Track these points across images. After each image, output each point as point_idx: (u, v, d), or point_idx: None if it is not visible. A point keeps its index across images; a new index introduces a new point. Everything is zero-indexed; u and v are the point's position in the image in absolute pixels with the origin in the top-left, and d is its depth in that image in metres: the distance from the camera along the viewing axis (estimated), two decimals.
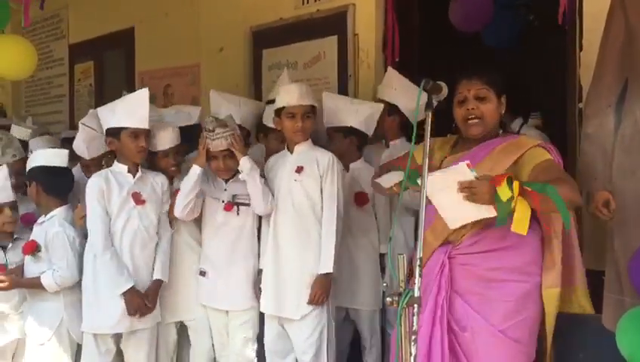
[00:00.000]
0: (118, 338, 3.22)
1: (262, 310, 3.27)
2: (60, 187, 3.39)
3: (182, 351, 3.52)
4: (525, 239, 2.44)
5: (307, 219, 3.17)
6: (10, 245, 3.44)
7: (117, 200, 3.18)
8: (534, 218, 2.48)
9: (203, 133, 3.22)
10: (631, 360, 2.34)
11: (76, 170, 3.65)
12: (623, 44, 2.65)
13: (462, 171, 2.32)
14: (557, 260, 2.54)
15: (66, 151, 3.47)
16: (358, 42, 4.17)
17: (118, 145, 3.21)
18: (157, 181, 3.29)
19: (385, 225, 3.47)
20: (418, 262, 2.06)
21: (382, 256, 3.49)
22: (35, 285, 3.22)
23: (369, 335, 3.48)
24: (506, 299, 2.49)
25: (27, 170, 3.46)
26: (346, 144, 3.46)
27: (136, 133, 3.17)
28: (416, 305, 2.00)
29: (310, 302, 3.12)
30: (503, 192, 2.27)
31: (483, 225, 2.50)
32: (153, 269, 3.23)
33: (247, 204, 3.25)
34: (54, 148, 3.87)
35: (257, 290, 3.27)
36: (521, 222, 2.29)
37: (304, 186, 3.17)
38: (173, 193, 3.31)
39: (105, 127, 3.28)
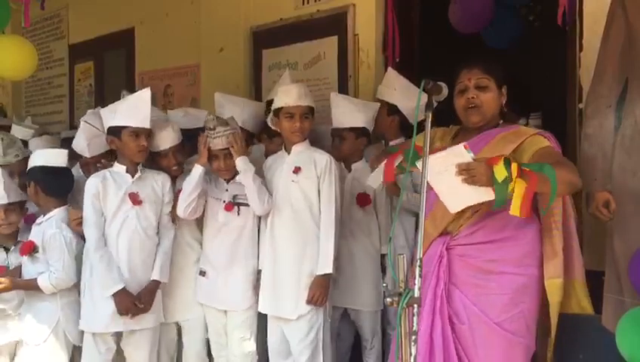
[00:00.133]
0: (118, 337, 3.22)
1: (260, 310, 3.27)
2: (59, 187, 3.39)
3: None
4: (523, 231, 2.48)
5: (304, 220, 3.17)
6: (13, 247, 3.43)
7: (114, 200, 3.18)
8: (533, 210, 2.49)
9: (203, 133, 3.22)
10: (631, 361, 2.34)
11: (75, 169, 3.65)
12: (623, 45, 2.66)
13: (459, 153, 2.33)
14: (558, 250, 2.55)
15: (65, 152, 3.47)
16: (358, 42, 4.17)
17: (119, 144, 3.22)
18: (157, 181, 3.29)
19: (386, 225, 3.47)
20: (418, 263, 2.07)
21: (383, 256, 3.49)
22: (32, 286, 3.22)
23: (370, 336, 3.48)
24: (503, 292, 2.50)
25: (27, 170, 3.46)
26: (357, 144, 3.48)
27: (137, 133, 3.18)
28: (416, 306, 2.01)
29: (309, 303, 3.12)
30: (499, 172, 2.27)
31: (481, 215, 2.52)
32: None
33: (248, 205, 3.24)
34: (54, 148, 3.87)
35: (257, 291, 3.28)
36: (518, 205, 2.28)
37: (301, 187, 3.18)
38: (176, 193, 3.30)
39: (106, 126, 3.28)
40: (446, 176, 2.34)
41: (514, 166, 2.29)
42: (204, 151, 3.19)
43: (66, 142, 4.40)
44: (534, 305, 2.56)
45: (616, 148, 2.62)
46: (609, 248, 2.67)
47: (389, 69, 3.82)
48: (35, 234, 3.31)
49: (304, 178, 3.18)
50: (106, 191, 3.19)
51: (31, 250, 3.26)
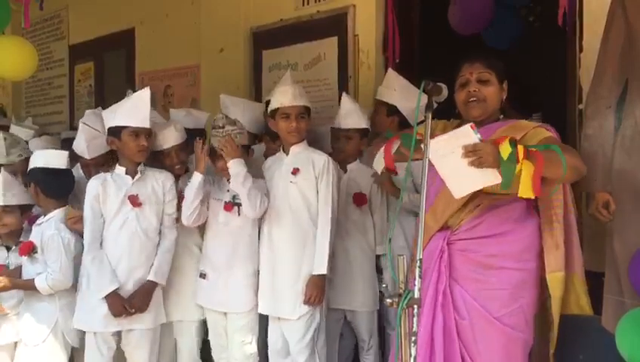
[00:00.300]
0: (119, 337, 3.22)
1: (259, 311, 3.27)
2: (60, 189, 3.39)
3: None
4: (522, 225, 2.50)
5: (303, 220, 3.18)
6: (14, 247, 3.43)
7: (114, 202, 3.18)
8: (532, 204, 2.52)
9: (197, 141, 3.20)
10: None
11: (76, 170, 3.65)
12: (623, 46, 2.66)
13: (466, 133, 2.29)
14: (560, 243, 2.56)
15: (65, 153, 3.46)
16: (358, 43, 4.17)
17: (119, 144, 3.21)
18: (158, 180, 3.27)
19: (381, 225, 3.47)
20: (418, 263, 2.07)
21: (378, 256, 3.49)
22: (31, 287, 3.22)
23: (367, 337, 3.48)
24: (503, 287, 2.50)
25: (27, 170, 3.46)
26: (360, 145, 3.51)
27: (136, 133, 3.17)
28: (415, 306, 2.01)
29: (306, 303, 3.13)
30: (505, 149, 2.25)
31: (482, 209, 2.53)
32: None
33: None
34: (54, 149, 3.87)
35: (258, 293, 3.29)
36: (527, 186, 2.27)
37: (300, 188, 3.18)
38: (179, 193, 3.30)
39: (107, 127, 3.28)
40: (451, 158, 2.30)
41: (520, 147, 2.27)
42: (202, 158, 3.18)
43: (66, 143, 4.41)
44: (533, 299, 2.57)
45: (616, 148, 2.62)
46: (609, 249, 2.67)
47: (389, 69, 3.83)
48: (35, 235, 3.32)
49: (302, 179, 3.18)
50: (106, 193, 3.19)
51: (30, 250, 3.26)
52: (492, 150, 2.26)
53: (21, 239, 3.43)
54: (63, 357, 3.27)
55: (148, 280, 3.19)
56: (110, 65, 6.31)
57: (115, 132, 3.22)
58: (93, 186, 3.20)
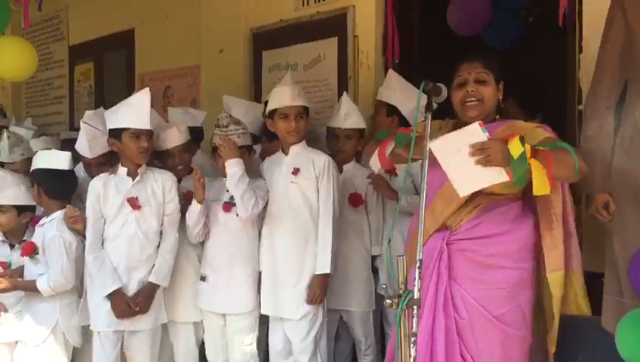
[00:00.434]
0: (122, 337, 3.22)
1: (262, 312, 3.28)
2: (62, 190, 3.38)
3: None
4: (519, 225, 2.53)
5: (304, 220, 3.18)
6: (17, 245, 3.44)
7: (113, 204, 3.18)
8: (529, 204, 2.55)
9: (195, 169, 3.19)
10: None
11: (78, 170, 3.64)
12: (622, 46, 2.66)
13: (474, 131, 2.28)
14: (559, 243, 2.57)
15: (69, 154, 3.44)
16: (358, 44, 4.17)
17: (120, 146, 3.20)
18: (158, 181, 3.26)
19: (377, 226, 3.48)
20: (418, 264, 2.07)
21: (374, 257, 3.50)
22: (31, 288, 3.22)
23: (363, 338, 3.49)
24: (501, 286, 2.52)
25: (30, 171, 3.45)
26: (359, 145, 3.52)
27: (137, 134, 3.16)
28: (415, 307, 2.01)
29: (309, 302, 3.13)
30: (515, 148, 2.25)
31: (481, 209, 2.54)
32: None
33: None
34: (57, 150, 3.86)
35: (258, 293, 3.29)
36: (541, 183, 2.27)
37: (301, 188, 3.19)
38: (182, 194, 3.30)
39: (107, 128, 3.28)
40: (458, 157, 2.29)
41: (527, 146, 2.27)
42: (199, 187, 3.16)
43: (66, 143, 4.41)
44: (530, 297, 2.59)
45: (616, 149, 2.62)
46: (609, 249, 2.67)
47: (390, 70, 3.83)
48: (37, 236, 3.32)
49: (303, 179, 3.19)
50: (106, 194, 3.19)
51: (32, 251, 3.26)
52: (501, 148, 2.26)
53: (25, 238, 3.43)
54: (64, 357, 3.28)
55: (149, 282, 3.19)
56: (110, 66, 6.30)
57: (115, 134, 3.21)
58: (95, 186, 3.21)
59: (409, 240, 2.68)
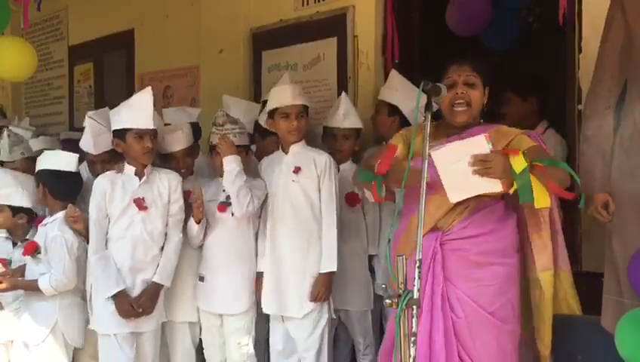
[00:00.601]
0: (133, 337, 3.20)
1: (264, 311, 3.28)
2: (67, 191, 3.38)
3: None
4: (504, 223, 2.61)
5: (306, 219, 3.19)
6: (19, 243, 3.44)
7: (120, 203, 3.16)
8: (510, 203, 2.61)
9: (193, 191, 3.20)
10: None
11: (81, 169, 3.62)
12: (622, 46, 2.66)
13: (479, 143, 2.35)
14: (547, 243, 2.65)
15: (76, 156, 3.43)
16: (357, 44, 4.17)
17: (124, 146, 3.19)
18: (164, 182, 3.25)
19: (374, 226, 3.49)
20: (417, 264, 2.07)
21: (371, 257, 3.50)
22: (33, 288, 3.22)
23: (362, 337, 3.49)
24: (491, 283, 2.57)
25: (36, 171, 3.43)
26: (356, 145, 3.56)
27: (140, 134, 3.15)
28: (415, 307, 2.01)
29: (313, 300, 3.14)
30: (518, 163, 2.33)
31: (471, 210, 2.59)
32: None
33: None
34: (52, 149, 3.86)
35: (257, 293, 3.28)
36: (542, 197, 2.36)
37: (302, 186, 3.19)
38: (185, 194, 3.29)
39: (112, 129, 3.26)
40: (457, 166, 2.35)
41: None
42: (198, 207, 3.18)
43: (66, 144, 4.41)
44: (517, 291, 2.65)
45: (616, 149, 2.62)
46: (608, 249, 2.67)
47: (392, 70, 3.84)
48: (40, 235, 3.32)
49: (304, 178, 3.20)
50: (113, 193, 3.17)
51: (34, 250, 3.26)
52: (503, 161, 2.35)
53: (27, 238, 3.43)
54: (63, 357, 3.27)
55: (153, 282, 3.18)
56: (110, 66, 6.30)
57: (119, 134, 3.20)
58: (101, 184, 3.19)
59: (397, 244, 2.68)
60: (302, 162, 3.22)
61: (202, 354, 3.48)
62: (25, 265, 3.34)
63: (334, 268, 3.15)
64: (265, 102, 3.72)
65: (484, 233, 2.59)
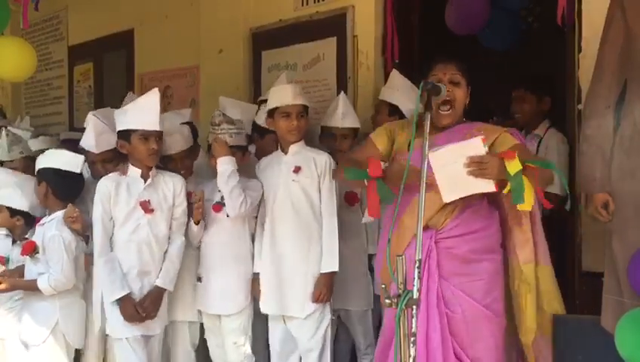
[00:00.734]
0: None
1: (263, 311, 3.28)
2: (70, 192, 3.36)
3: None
4: (490, 221, 2.70)
5: (307, 219, 3.19)
6: (18, 242, 3.44)
7: (124, 206, 3.14)
8: (493, 201, 2.70)
9: (194, 193, 3.21)
10: None
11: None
12: (621, 46, 2.65)
13: (476, 145, 2.42)
14: (529, 237, 2.71)
15: (81, 158, 3.39)
16: (357, 44, 4.17)
17: (129, 148, 3.17)
18: (169, 185, 3.23)
19: (373, 225, 3.48)
20: (417, 264, 2.07)
21: (370, 256, 3.50)
22: (32, 287, 3.21)
23: (362, 337, 3.49)
24: (482, 278, 2.66)
25: (38, 168, 3.40)
26: (353, 144, 3.54)
27: (146, 135, 3.13)
28: (414, 307, 2.01)
29: (315, 301, 3.14)
30: (514, 166, 2.39)
31: (460, 210, 2.64)
32: None
33: None
34: (58, 148, 3.85)
35: (254, 293, 3.28)
36: (528, 200, 2.43)
37: (302, 186, 3.20)
38: (186, 194, 3.29)
39: (117, 130, 3.24)
40: (452, 167, 2.42)
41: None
42: (197, 209, 3.21)
43: (66, 144, 4.40)
44: (503, 285, 2.74)
45: (615, 148, 2.62)
46: (608, 249, 2.67)
47: (394, 70, 3.84)
48: (38, 235, 3.30)
49: (305, 177, 3.20)
50: (117, 195, 3.14)
51: (32, 250, 3.25)
52: (498, 164, 2.42)
53: (27, 236, 3.43)
54: (64, 358, 3.26)
55: (156, 286, 3.16)
56: (109, 66, 6.30)
57: (124, 135, 3.17)
58: (105, 186, 3.16)
59: (384, 246, 2.71)
60: (302, 162, 3.22)
61: (202, 354, 3.48)
62: (24, 265, 3.33)
63: (336, 268, 3.15)
64: (262, 102, 3.72)
65: (474, 231, 2.66)
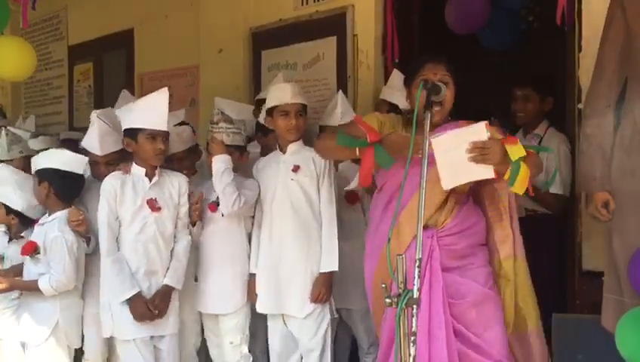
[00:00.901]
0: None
1: (260, 311, 3.27)
2: (72, 193, 3.35)
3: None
4: (479, 218, 2.74)
5: (306, 218, 3.19)
6: (14, 240, 3.43)
7: (130, 206, 3.12)
8: (479, 199, 2.76)
9: (194, 195, 3.21)
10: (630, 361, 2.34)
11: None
12: (622, 45, 2.65)
13: (479, 131, 2.41)
14: (509, 233, 2.74)
15: (85, 159, 3.36)
16: (357, 43, 4.17)
17: (135, 147, 3.14)
18: (174, 183, 3.23)
19: None
20: (417, 263, 2.06)
21: None
22: (33, 288, 3.19)
23: (365, 336, 3.49)
24: (480, 264, 2.69)
25: (39, 168, 3.36)
26: None
27: (153, 135, 3.10)
28: (415, 306, 2.01)
29: (314, 301, 3.14)
30: (517, 151, 2.41)
31: (459, 206, 2.67)
32: None
33: None
34: (58, 148, 3.85)
35: (251, 294, 3.28)
36: (523, 184, 2.44)
37: (301, 185, 3.19)
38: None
39: (123, 128, 3.22)
40: (454, 152, 2.41)
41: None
42: (196, 211, 3.22)
43: (66, 144, 4.40)
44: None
45: (616, 148, 2.62)
46: (608, 248, 2.67)
47: (395, 70, 3.84)
48: (38, 235, 3.28)
49: (304, 176, 3.20)
50: (123, 195, 3.12)
51: (32, 250, 3.23)
52: (500, 149, 2.42)
53: (22, 235, 3.42)
54: (65, 358, 3.25)
55: (164, 285, 3.15)
56: (109, 66, 6.30)
57: (131, 134, 3.15)
58: (111, 185, 3.13)
59: (374, 240, 2.73)
60: (301, 161, 3.22)
61: (202, 354, 3.48)
62: (20, 264, 3.31)
63: (335, 268, 3.15)
64: (259, 101, 3.72)
65: (469, 227, 2.69)
